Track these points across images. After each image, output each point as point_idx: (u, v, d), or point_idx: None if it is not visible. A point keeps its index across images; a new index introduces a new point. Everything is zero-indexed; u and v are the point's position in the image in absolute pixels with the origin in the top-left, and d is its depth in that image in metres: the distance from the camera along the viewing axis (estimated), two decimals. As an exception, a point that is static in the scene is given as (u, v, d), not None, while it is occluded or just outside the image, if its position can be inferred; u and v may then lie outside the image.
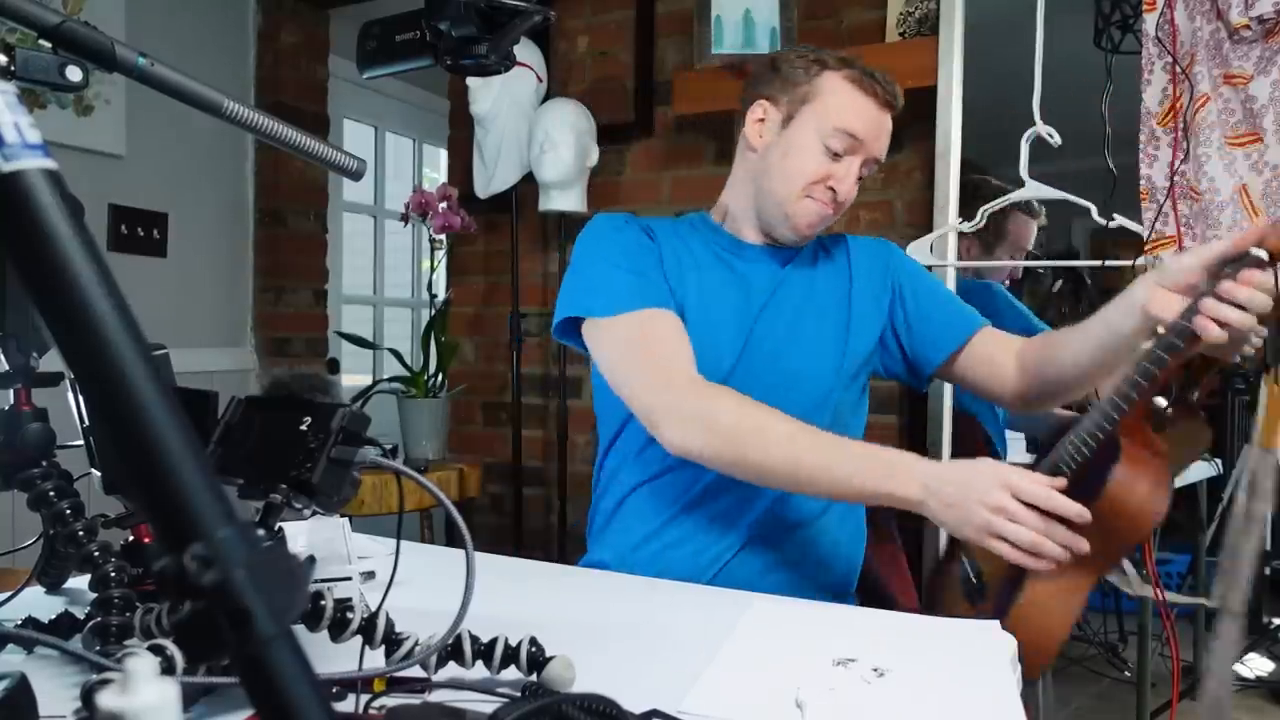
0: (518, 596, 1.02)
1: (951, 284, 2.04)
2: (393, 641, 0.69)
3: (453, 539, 2.49)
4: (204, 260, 2.80)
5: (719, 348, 1.21)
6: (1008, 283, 2.18)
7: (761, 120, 1.28)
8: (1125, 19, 1.99)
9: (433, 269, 2.63)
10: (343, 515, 2.45)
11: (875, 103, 1.23)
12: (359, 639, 0.68)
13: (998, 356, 1.28)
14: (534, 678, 0.70)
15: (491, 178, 2.61)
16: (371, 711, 0.66)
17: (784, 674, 0.74)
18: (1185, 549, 2.91)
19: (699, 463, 1.11)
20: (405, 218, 2.53)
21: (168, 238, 2.66)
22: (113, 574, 0.74)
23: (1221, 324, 0.90)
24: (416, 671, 0.70)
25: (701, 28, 2.31)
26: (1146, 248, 1.63)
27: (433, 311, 2.60)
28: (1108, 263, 1.79)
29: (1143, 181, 1.64)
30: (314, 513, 0.69)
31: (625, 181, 2.65)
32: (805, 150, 1.24)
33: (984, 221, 1.89)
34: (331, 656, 0.67)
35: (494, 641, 0.71)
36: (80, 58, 0.58)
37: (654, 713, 0.64)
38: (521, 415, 2.67)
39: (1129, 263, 1.70)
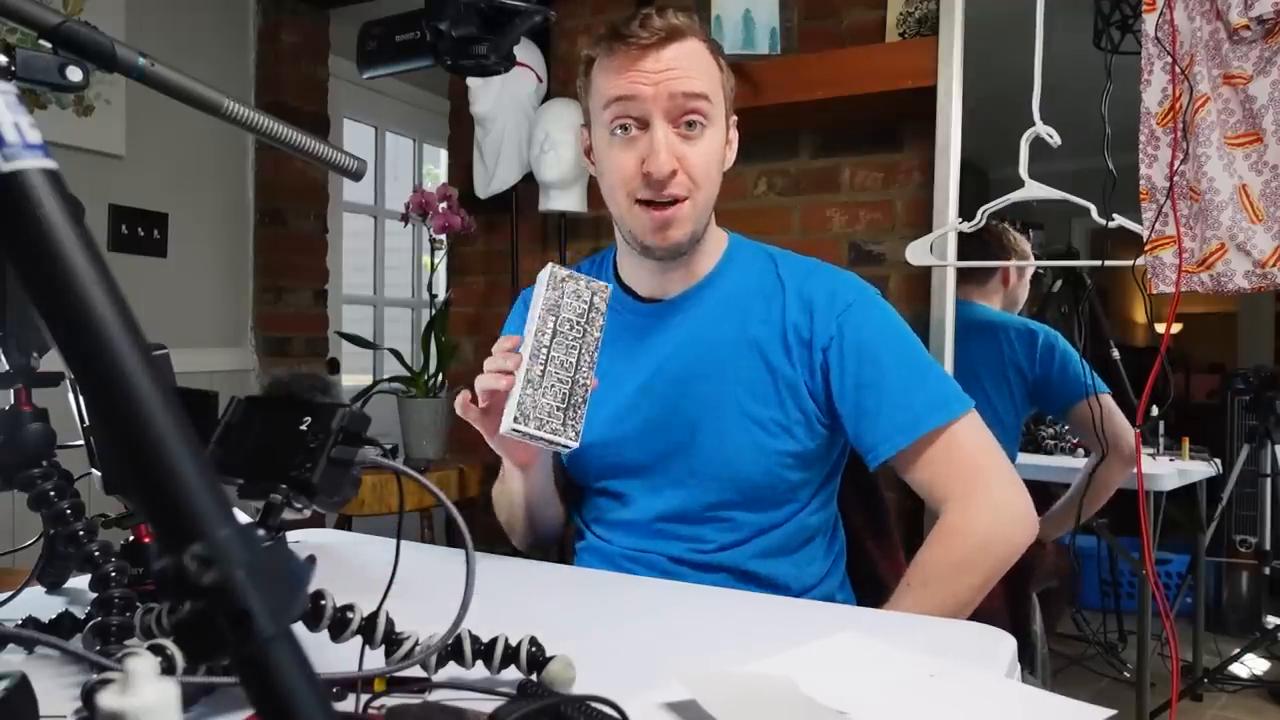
0: (518, 596, 1.02)
1: (950, 282, 2.04)
2: (393, 641, 0.69)
3: (453, 539, 2.49)
4: (204, 260, 2.80)
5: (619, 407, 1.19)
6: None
7: (589, 152, 1.18)
8: (1125, 19, 1.99)
9: (433, 269, 2.63)
10: (343, 515, 2.44)
11: (631, 49, 1.05)
12: (359, 639, 0.68)
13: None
14: (534, 678, 0.70)
15: (491, 178, 2.61)
16: (371, 711, 0.66)
17: (785, 672, 0.74)
18: (1184, 549, 2.91)
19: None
20: (405, 218, 2.53)
21: (168, 238, 2.66)
22: (113, 574, 0.74)
23: None
24: (416, 671, 0.70)
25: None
26: (1146, 248, 1.63)
27: (433, 311, 2.60)
28: (1107, 263, 1.79)
29: (1142, 181, 1.64)
30: (314, 513, 0.69)
31: (625, 181, 2.65)
32: (605, 152, 1.11)
33: (983, 221, 1.89)
34: (331, 656, 0.67)
35: (494, 641, 0.71)
36: (80, 58, 0.58)
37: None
38: (521, 415, 2.67)
39: (1129, 263, 1.70)
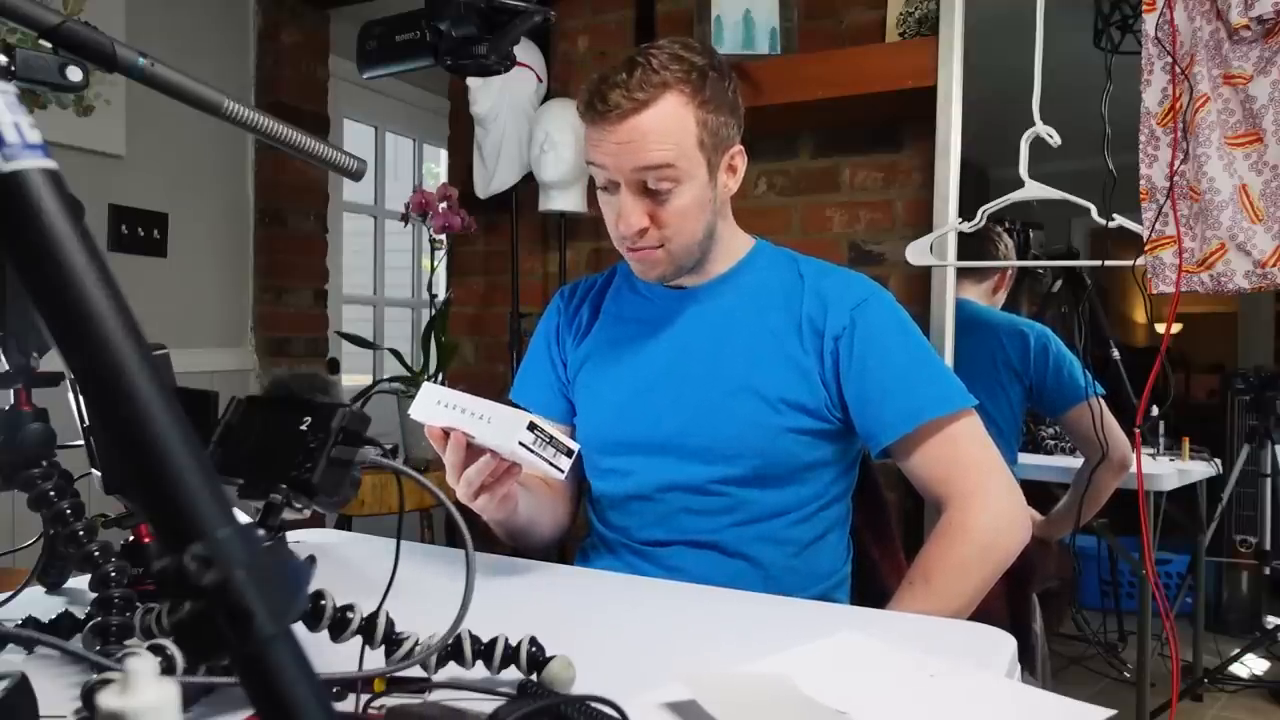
0: (518, 596, 1.02)
1: (950, 282, 2.04)
2: (393, 641, 0.69)
3: (453, 539, 2.49)
4: (204, 260, 2.80)
5: (632, 392, 1.22)
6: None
7: None
8: (1125, 19, 1.99)
9: (433, 269, 2.63)
10: (343, 515, 2.44)
11: (598, 119, 1.11)
12: (359, 639, 0.68)
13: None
14: (534, 678, 0.70)
15: (491, 178, 2.61)
16: (371, 711, 0.66)
17: (785, 672, 0.74)
18: (1184, 549, 2.91)
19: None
20: (405, 218, 2.53)
21: (168, 238, 2.66)
22: (113, 574, 0.74)
23: None
24: (416, 671, 0.70)
25: (701, 28, 2.31)
26: (1146, 248, 1.63)
27: (433, 311, 2.60)
28: (1107, 263, 1.79)
29: (1142, 181, 1.64)
30: (314, 513, 0.69)
31: (625, 181, 2.65)
32: (598, 194, 1.19)
33: (983, 221, 1.89)
34: (331, 656, 0.67)
35: (494, 641, 0.71)
36: (80, 58, 0.58)
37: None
38: (521, 415, 2.67)
39: (1129, 263, 1.70)
